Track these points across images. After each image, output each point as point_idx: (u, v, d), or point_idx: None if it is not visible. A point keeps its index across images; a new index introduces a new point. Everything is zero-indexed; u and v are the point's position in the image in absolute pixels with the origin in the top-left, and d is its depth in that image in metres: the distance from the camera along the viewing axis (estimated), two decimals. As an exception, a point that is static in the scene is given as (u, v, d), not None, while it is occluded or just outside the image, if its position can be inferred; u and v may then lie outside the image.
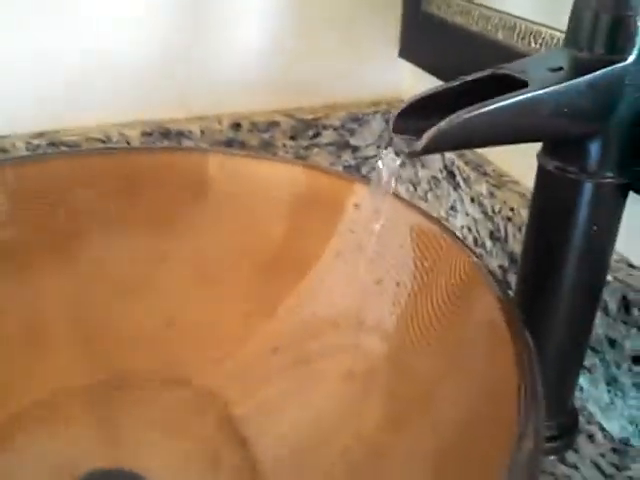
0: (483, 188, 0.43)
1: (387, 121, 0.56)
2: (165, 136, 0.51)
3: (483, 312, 0.26)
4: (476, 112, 0.24)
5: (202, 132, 0.52)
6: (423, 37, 0.50)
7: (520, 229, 0.39)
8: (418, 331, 0.29)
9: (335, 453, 0.26)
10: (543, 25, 0.36)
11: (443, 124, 0.24)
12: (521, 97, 0.24)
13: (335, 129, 0.55)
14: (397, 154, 0.26)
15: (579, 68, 0.25)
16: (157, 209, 0.35)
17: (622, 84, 0.25)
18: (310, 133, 0.54)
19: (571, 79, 0.25)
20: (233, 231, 0.34)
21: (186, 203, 0.35)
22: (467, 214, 0.45)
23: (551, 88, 0.24)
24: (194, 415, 0.30)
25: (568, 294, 0.30)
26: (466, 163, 0.45)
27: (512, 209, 0.40)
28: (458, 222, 0.46)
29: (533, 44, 0.37)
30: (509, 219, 0.40)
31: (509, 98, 0.24)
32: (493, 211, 0.42)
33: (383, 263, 0.30)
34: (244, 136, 0.53)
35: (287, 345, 0.32)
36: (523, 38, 0.38)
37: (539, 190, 0.30)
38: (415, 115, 0.26)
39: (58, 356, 0.32)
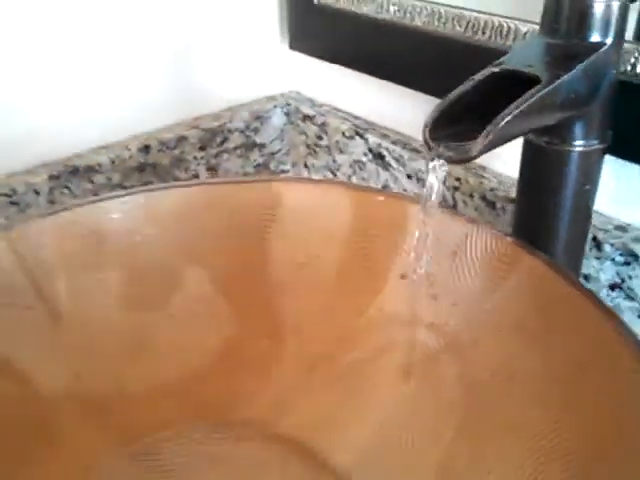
0: (421, 164, 0.46)
1: (287, 114, 0.57)
2: (74, 174, 0.47)
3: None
4: (515, 112, 0.26)
5: (112, 162, 0.49)
6: (315, 28, 0.51)
7: (471, 196, 0.43)
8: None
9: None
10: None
11: (490, 127, 0.26)
12: (543, 92, 0.27)
13: (241, 131, 0.55)
14: (447, 162, 0.27)
15: (569, 56, 0.29)
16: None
17: (606, 66, 0.29)
18: (218, 140, 0.54)
19: (569, 68, 0.28)
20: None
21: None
22: (405, 190, 0.48)
23: (561, 79, 0.28)
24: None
25: (562, 248, 0.34)
26: (394, 143, 0.48)
27: (458, 179, 0.44)
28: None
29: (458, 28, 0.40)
30: (456, 188, 0.44)
31: (535, 95, 0.27)
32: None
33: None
34: (155, 157, 0.50)
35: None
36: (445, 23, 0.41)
37: (530, 163, 0.33)
38: (443, 122, 0.28)
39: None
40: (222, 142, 0.54)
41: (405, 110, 0.49)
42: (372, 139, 0.49)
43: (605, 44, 0.29)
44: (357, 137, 0.50)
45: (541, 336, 0.28)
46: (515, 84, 0.28)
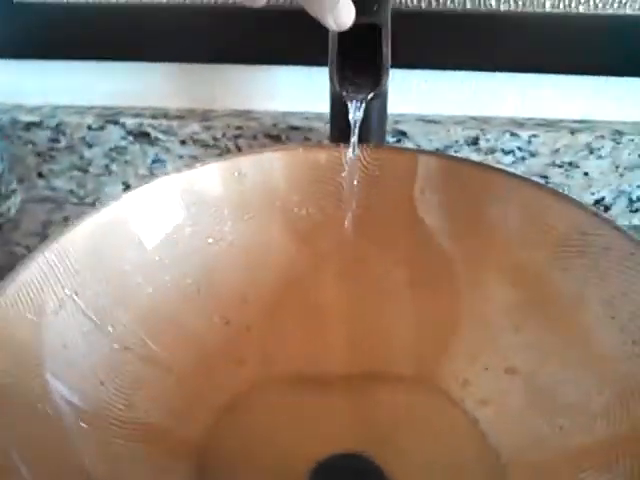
0: (195, 127, 0.50)
1: (-2, 129, 0.51)
2: None
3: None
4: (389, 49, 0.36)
5: None
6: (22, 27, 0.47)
7: (255, 137, 0.50)
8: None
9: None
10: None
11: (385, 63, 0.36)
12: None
13: None
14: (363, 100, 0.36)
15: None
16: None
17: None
18: None
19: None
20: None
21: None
22: (181, 157, 0.52)
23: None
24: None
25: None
26: (153, 117, 0.51)
27: (239, 127, 0.50)
28: (171, 167, 0.52)
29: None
30: (237, 136, 0.51)
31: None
32: (215, 138, 0.51)
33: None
34: None
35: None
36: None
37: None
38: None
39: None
40: None
41: (139, 83, 0.51)
42: (129, 121, 0.50)
43: None
44: (109, 125, 0.50)
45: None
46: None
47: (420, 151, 0.41)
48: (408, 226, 0.38)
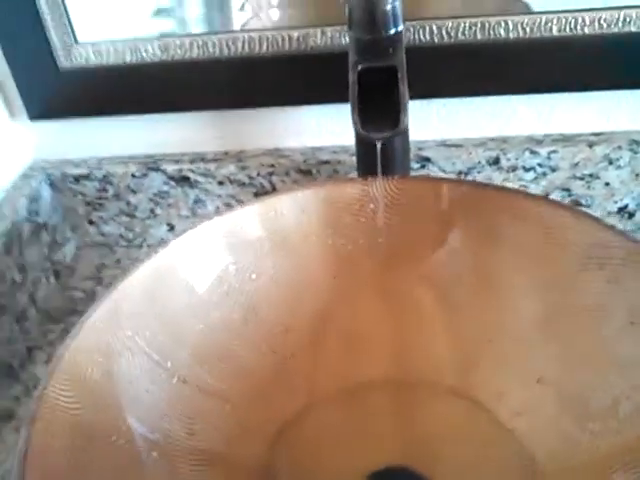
0: (231, 168, 0.54)
1: (51, 184, 0.56)
2: None
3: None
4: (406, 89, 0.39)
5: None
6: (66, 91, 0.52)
7: (287, 173, 0.54)
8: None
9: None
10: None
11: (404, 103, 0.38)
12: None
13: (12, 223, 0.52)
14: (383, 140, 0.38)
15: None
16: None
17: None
18: None
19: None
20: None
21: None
22: (219, 196, 0.55)
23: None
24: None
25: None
26: (192, 162, 0.54)
27: (271, 165, 0.54)
28: (211, 206, 0.56)
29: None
30: (270, 174, 0.54)
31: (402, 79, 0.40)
32: (250, 177, 0.54)
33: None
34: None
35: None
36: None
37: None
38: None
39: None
40: None
41: (176, 132, 0.55)
42: (169, 167, 0.54)
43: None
44: (151, 172, 0.54)
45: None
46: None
47: (442, 179, 0.44)
48: (435, 248, 0.41)
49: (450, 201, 0.39)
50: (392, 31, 0.40)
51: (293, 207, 0.41)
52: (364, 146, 0.43)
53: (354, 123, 0.38)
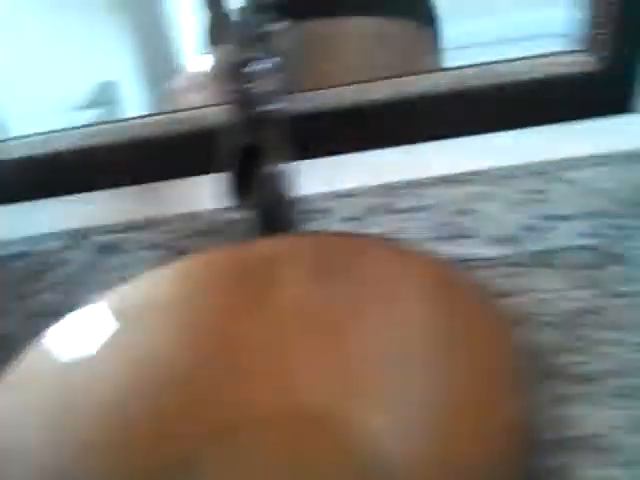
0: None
1: None
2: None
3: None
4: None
5: None
6: None
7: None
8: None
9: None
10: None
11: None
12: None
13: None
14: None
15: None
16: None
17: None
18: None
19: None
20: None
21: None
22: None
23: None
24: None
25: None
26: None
27: (182, 229, 0.58)
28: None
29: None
30: (188, 236, 0.59)
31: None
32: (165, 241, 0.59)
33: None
34: None
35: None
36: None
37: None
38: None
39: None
40: None
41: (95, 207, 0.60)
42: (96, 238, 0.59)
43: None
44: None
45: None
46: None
47: (303, 235, 0.49)
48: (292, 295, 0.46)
49: (296, 253, 0.46)
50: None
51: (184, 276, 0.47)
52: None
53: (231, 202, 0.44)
